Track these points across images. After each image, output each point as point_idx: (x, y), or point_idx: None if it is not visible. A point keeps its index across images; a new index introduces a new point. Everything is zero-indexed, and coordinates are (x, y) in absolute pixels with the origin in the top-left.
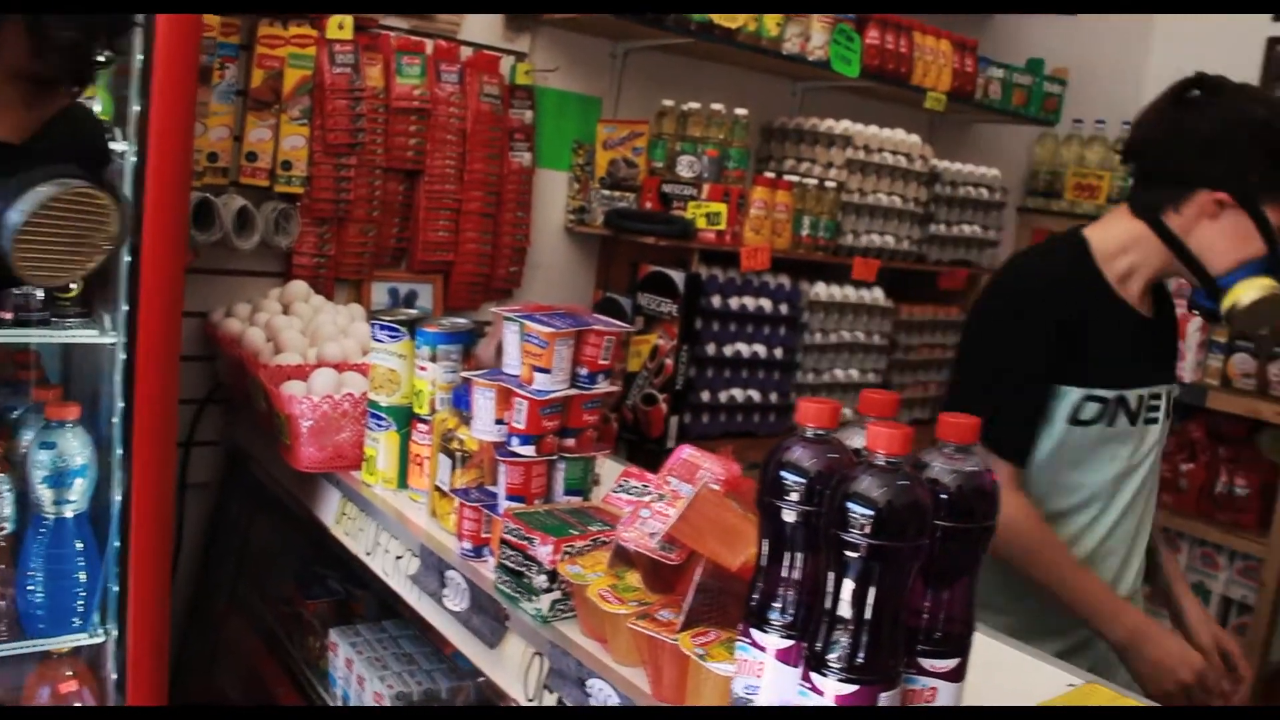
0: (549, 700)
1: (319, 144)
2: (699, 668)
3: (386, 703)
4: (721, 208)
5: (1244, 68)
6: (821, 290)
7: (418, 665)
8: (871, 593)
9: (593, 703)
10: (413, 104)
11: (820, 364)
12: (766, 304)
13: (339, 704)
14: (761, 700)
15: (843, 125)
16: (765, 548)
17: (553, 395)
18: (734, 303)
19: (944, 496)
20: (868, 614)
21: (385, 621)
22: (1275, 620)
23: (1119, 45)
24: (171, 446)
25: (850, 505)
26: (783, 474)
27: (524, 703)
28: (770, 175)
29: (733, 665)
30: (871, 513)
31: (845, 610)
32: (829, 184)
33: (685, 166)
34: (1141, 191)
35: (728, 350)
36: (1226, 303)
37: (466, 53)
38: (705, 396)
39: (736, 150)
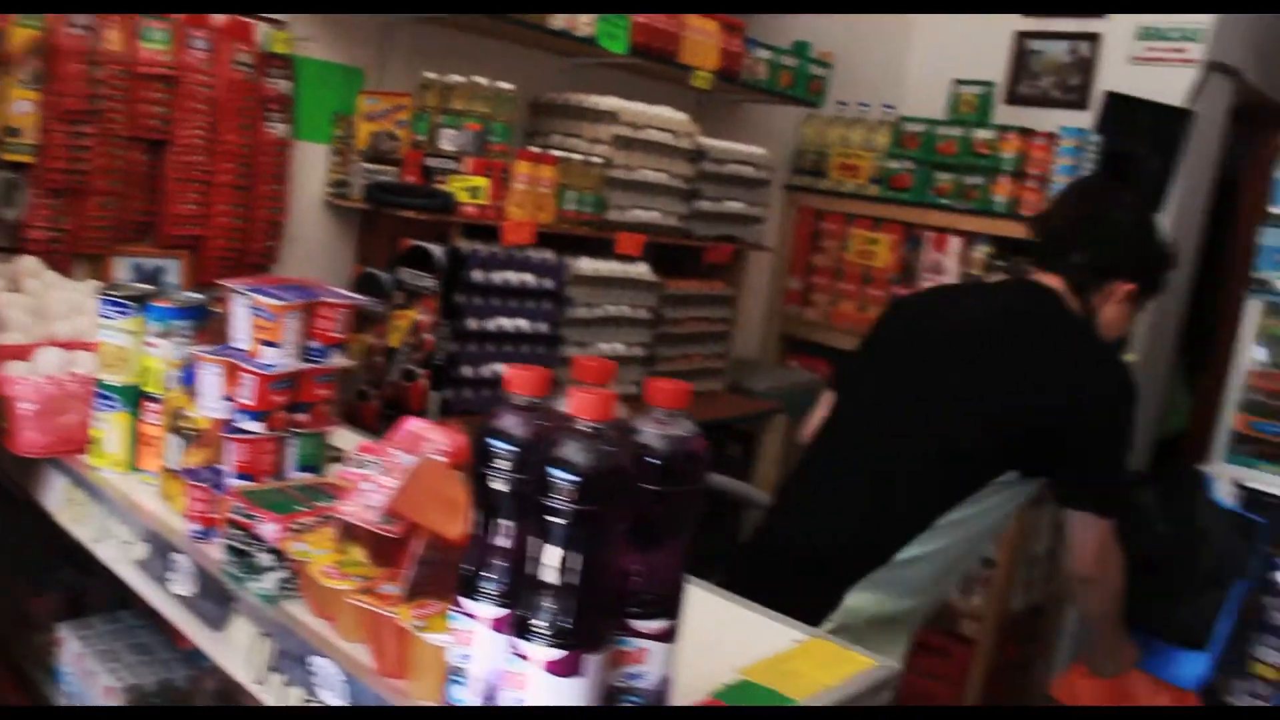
0: (276, 681)
1: (52, 110)
2: (417, 640)
3: (118, 698)
4: (484, 182)
5: (995, 57)
6: (586, 265)
7: (153, 656)
8: (576, 558)
9: (316, 682)
10: (157, 70)
11: (585, 338)
12: (530, 278)
13: (68, 702)
14: (475, 669)
15: (609, 101)
16: (478, 517)
17: (282, 370)
18: (496, 277)
19: (654, 461)
20: (573, 579)
21: (121, 612)
22: (1013, 572)
23: (881, 32)
24: None
25: (553, 471)
26: (491, 442)
27: (251, 685)
28: (535, 150)
29: (449, 636)
30: (574, 478)
31: (551, 576)
32: (594, 159)
33: (448, 140)
34: (1071, 270)
35: (490, 325)
36: None
37: (218, 18)
38: (468, 371)
39: (500, 125)
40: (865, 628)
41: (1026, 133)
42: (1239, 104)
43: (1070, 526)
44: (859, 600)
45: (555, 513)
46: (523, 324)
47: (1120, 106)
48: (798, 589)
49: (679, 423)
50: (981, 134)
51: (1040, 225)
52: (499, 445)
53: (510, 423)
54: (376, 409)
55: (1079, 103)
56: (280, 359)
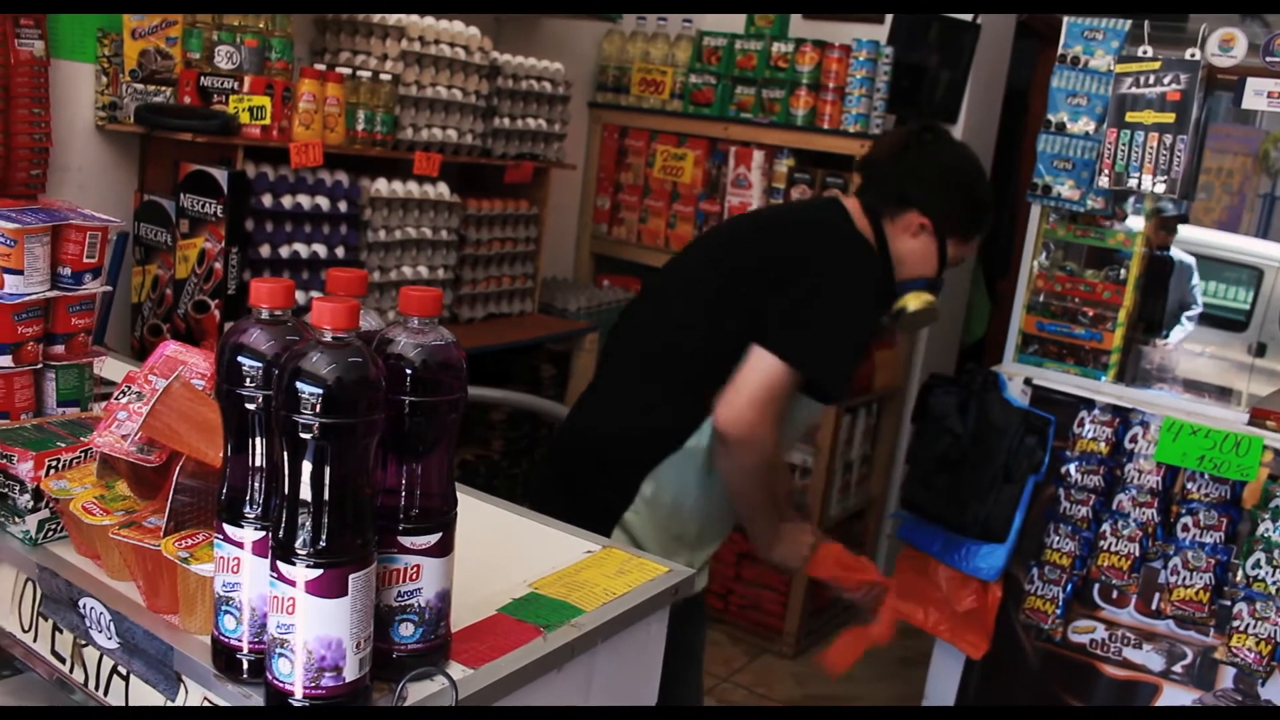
0: (45, 629)
1: None
2: (185, 572)
3: None
4: (265, 101)
5: None
6: (383, 186)
7: None
8: (328, 472)
9: (87, 623)
10: None
11: (386, 262)
12: (324, 202)
13: None
14: (243, 596)
15: (396, 17)
16: (231, 438)
17: (28, 298)
18: (287, 201)
19: (409, 371)
20: (326, 495)
21: None
22: (831, 480)
23: None
24: None
25: (298, 384)
26: (238, 359)
27: (20, 635)
28: (320, 68)
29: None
30: (319, 390)
31: (305, 494)
32: (384, 76)
33: (224, 58)
34: (870, 196)
35: (284, 251)
36: (896, 306)
37: None
38: None
39: (279, 40)
40: (668, 521)
41: (822, 45)
42: (1025, 19)
43: (741, 366)
44: (655, 488)
45: (305, 428)
46: (319, 249)
47: (911, 20)
48: (597, 482)
49: (434, 331)
50: (780, 47)
51: (862, 160)
52: (247, 362)
53: (258, 337)
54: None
55: (874, 17)
56: (25, 287)
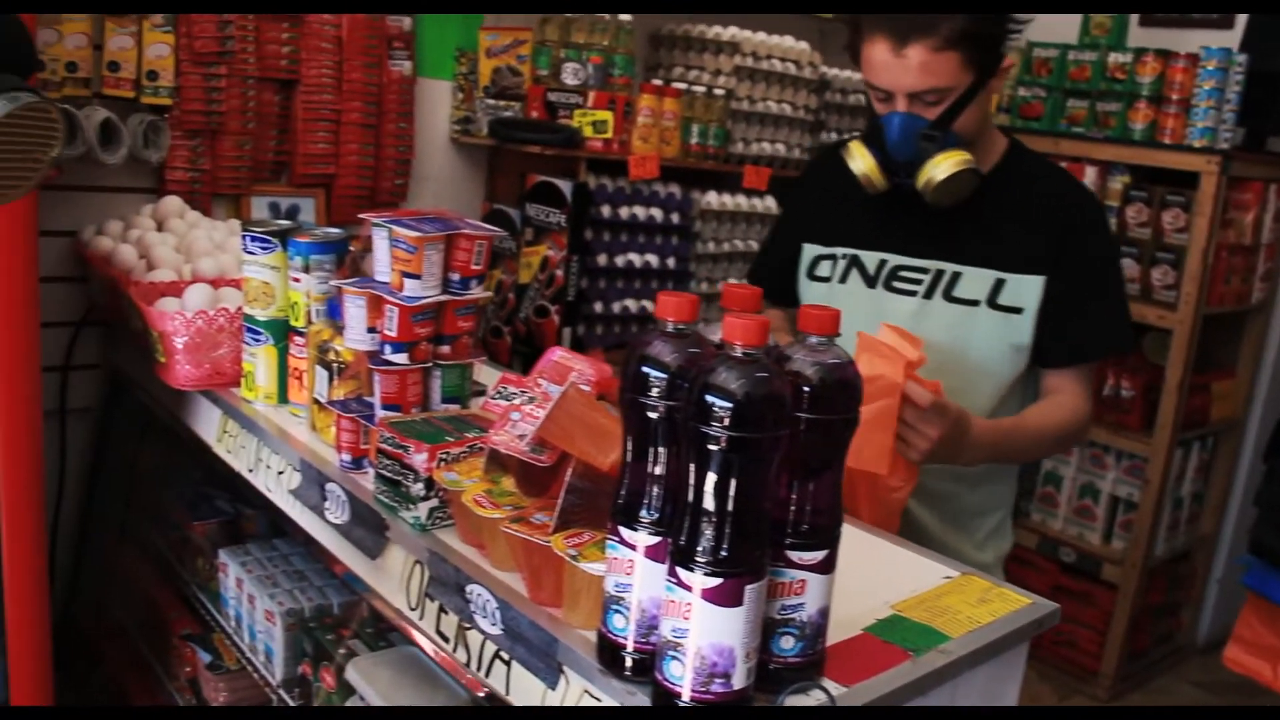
0: (430, 609)
1: (186, 53)
2: (573, 569)
3: (278, 620)
4: (608, 115)
5: None
6: (713, 199)
7: (309, 582)
8: (733, 485)
9: (472, 609)
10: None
11: (714, 273)
12: (657, 213)
13: (233, 623)
14: (633, 597)
15: (730, 32)
16: (630, 445)
17: (424, 301)
18: (624, 212)
19: (806, 389)
20: (730, 506)
21: (276, 540)
22: (1158, 517)
23: None
24: (33, 370)
25: (708, 398)
26: (644, 369)
27: (407, 612)
28: (657, 83)
29: (605, 565)
30: (730, 404)
31: (708, 503)
32: (717, 91)
33: (570, 74)
34: None
35: (619, 260)
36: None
37: None
38: (598, 307)
39: (622, 57)
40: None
41: (1165, 55)
42: None
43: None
44: None
45: (714, 439)
46: (652, 259)
47: (1265, 24)
48: None
49: (831, 349)
50: (1117, 57)
51: None
52: (653, 372)
53: (662, 349)
54: (509, 345)
55: (1222, 22)
56: (422, 290)
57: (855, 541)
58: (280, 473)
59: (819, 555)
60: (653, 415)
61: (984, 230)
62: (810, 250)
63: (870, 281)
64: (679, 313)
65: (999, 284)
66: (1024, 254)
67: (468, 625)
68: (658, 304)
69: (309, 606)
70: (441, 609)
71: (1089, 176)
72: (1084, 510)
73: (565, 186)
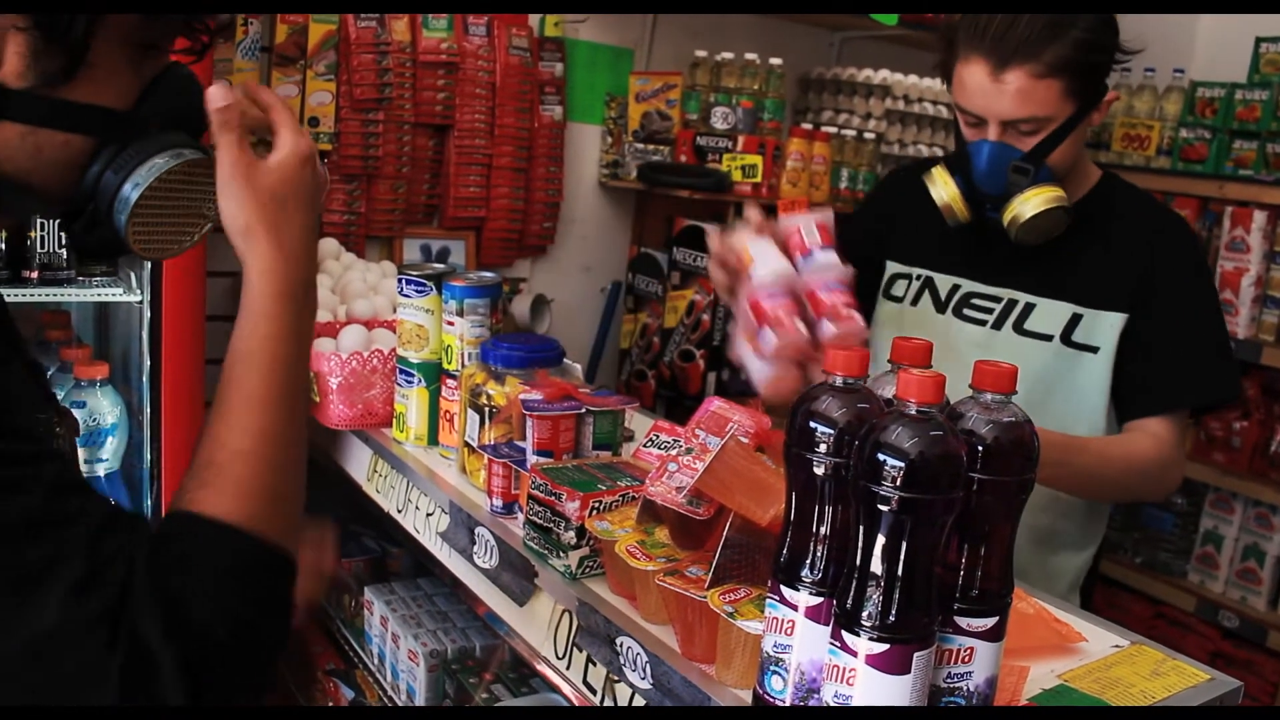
0: (579, 659)
1: (346, 100)
2: (729, 626)
3: (420, 661)
4: (757, 160)
5: None
6: None
7: (452, 623)
8: (903, 548)
9: (621, 661)
10: (440, 58)
11: None
12: None
13: (375, 661)
14: (792, 659)
15: (881, 75)
16: (793, 501)
17: None
18: None
19: (979, 448)
20: (900, 570)
21: (420, 579)
22: None
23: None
24: (200, 406)
25: (881, 456)
26: (811, 424)
27: (554, 660)
28: (807, 127)
29: (762, 623)
30: (902, 464)
31: (876, 566)
32: (867, 135)
33: (720, 118)
34: None
35: None
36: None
37: None
38: None
39: (771, 101)
40: None
41: None
42: None
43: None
44: None
45: (884, 500)
46: None
47: None
48: None
49: (1007, 408)
50: None
51: None
52: (820, 428)
53: (829, 404)
54: (653, 389)
55: None
56: None
57: (1017, 604)
58: (429, 514)
59: (989, 622)
60: (819, 472)
61: (1065, 262)
62: (891, 268)
63: (940, 307)
64: (848, 367)
65: (1075, 319)
66: (1105, 289)
67: (616, 678)
68: (826, 358)
69: (452, 648)
70: (590, 660)
71: (1257, 221)
72: (1248, 573)
73: (714, 231)
